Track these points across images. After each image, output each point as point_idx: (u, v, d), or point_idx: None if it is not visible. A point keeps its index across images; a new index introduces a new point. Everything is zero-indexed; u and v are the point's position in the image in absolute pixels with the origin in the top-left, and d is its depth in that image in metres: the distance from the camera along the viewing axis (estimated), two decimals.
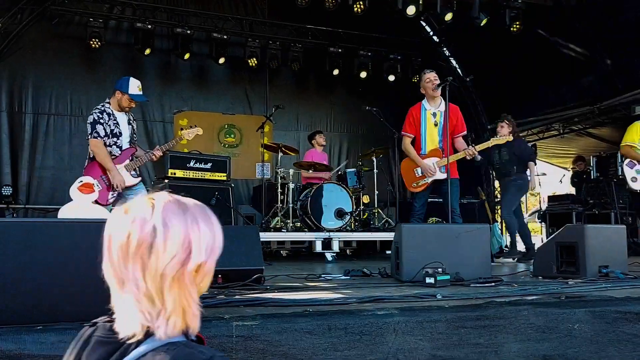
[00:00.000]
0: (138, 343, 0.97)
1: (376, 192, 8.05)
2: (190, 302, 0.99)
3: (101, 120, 4.57)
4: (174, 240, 0.97)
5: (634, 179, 5.83)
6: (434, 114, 5.41)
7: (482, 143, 5.56)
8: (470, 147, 5.34)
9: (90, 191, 4.12)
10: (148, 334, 0.97)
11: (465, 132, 5.56)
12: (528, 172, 6.70)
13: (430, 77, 5.38)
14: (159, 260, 0.96)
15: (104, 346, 1.00)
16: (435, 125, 5.40)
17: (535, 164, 6.80)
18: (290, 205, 7.26)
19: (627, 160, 5.96)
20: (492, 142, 5.61)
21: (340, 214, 7.10)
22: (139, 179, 4.81)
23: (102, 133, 4.56)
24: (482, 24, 8.37)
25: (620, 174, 8.15)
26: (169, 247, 0.97)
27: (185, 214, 1.01)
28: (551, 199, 9.96)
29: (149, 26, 9.26)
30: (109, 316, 1.05)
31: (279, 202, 7.42)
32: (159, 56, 9.91)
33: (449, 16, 8.15)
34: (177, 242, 0.97)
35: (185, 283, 0.98)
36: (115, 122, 4.66)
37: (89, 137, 4.58)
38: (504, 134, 6.04)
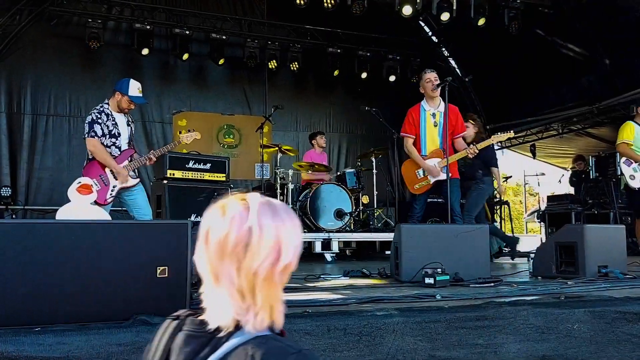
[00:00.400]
0: (228, 336, 1.03)
1: (375, 192, 8.04)
2: (277, 299, 1.06)
3: (99, 120, 4.58)
4: (267, 242, 1.04)
5: (632, 177, 5.82)
6: (434, 115, 5.40)
7: (483, 142, 5.53)
8: (472, 145, 5.33)
9: (89, 192, 4.10)
10: (237, 327, 1.04)
11: (464, 133, 5.55)
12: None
13: (431, 77, 5.36)
14: (253, 260, 1.03)
15: (195, 340, 1.06)
16: (435, 125, 5.38)
17: (498, 169, 6.70)
18: (290, 205, 7.26)
19: (623, 159, 5.96)
20: (494, 139, 5.56)
21: (339, 214, 7.10)
22: (138, 180, 4.81)
23: (99, 133, 4.57)
24: (479, 24, 8.37)
25: (618, 173, 8.16)
26: (263, 248, 1.04)
27: (275, 216, 1.07)
28: (550, 198, 9.96)
29: (148, 27, 9.25)
30: (191, 310, 1.12)
31: None
32: (157, 57, 9.90)
33: (445, 16, 8.14)
34: (270, 243, 1.04)
35: (274, 282, 1.05)
36: (113, 122, 4.67)
37: (86, 136, 4.59)
38: (469, 134, 5.94)
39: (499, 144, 11.65)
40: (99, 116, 4.59)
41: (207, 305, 1.06)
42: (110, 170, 4.60)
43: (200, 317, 1.07)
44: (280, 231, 1.05)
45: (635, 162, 5.85)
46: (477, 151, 5.33)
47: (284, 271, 1.06)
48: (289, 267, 1.07)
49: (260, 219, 1.04)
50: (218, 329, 1.03)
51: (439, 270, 3.72)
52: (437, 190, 5.43)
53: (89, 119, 4.61)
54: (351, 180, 7.77)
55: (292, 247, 1.07)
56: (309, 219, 7.01)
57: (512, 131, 5.72)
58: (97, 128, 4.56)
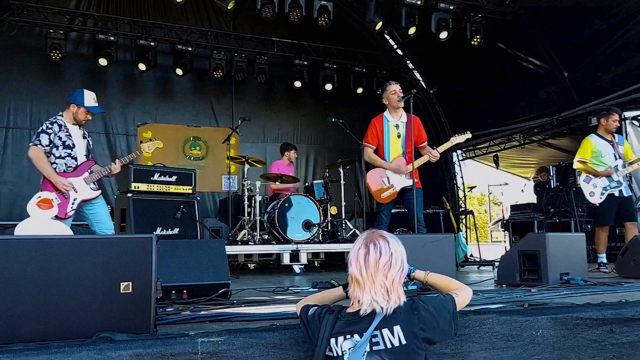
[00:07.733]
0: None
1: (343, 203, 8.06)
2: None
3: (49, 131, 4.52)
4: None
5: (592, 194, 5.95)
6: (397, 126, 5.44)
7: (443, 144, 5.57)
8: (433, 149, 5.39)
9: (49, 207, 3.99)
10: None
11: (426, 142, 5.61)
12: None
13: (396, 89, 5.41)
14: None
15: None
16: (399, 137, 5.41)
17: None
18: (258, 217, 7.21)
19: (583, 176, 6.06)
20: (453, 141, 5.56)
21: (307, 225, 7.10)
22: (99, 192, 4.71)
23: (44, 142, 4.49)
24: (442, 37, 8.55)
25: (578, 182, 8.38)
26: None
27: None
28: (514, 208, 10.17)
29: (112, 38, 9.11)
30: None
31: (246, 215, 7.37)
32: (122, 68, 9.76)
33: (412, 30, 8.29)
34: None
35: None
36: (67, 133, 4.60)
37: (30, 144, 4.52)
38: None
39: (463, 154, 11.88)
40: (50, 127, 4.53)
41: None
42: (70, 183, 4.49)
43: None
44: None
45: (595, 176, 5.95)
46: (439, 154, 5.39)
47: None
48: None
49: None
50: None
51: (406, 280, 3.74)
52: (400, 200, 5.47)
53: (39, 128, 4.56)
54: (319, 191, 7.78)
55: None
56: (277, 230, 6.98)
57: (469, 132, 5.59)
58: (43, 137, 4.48)
